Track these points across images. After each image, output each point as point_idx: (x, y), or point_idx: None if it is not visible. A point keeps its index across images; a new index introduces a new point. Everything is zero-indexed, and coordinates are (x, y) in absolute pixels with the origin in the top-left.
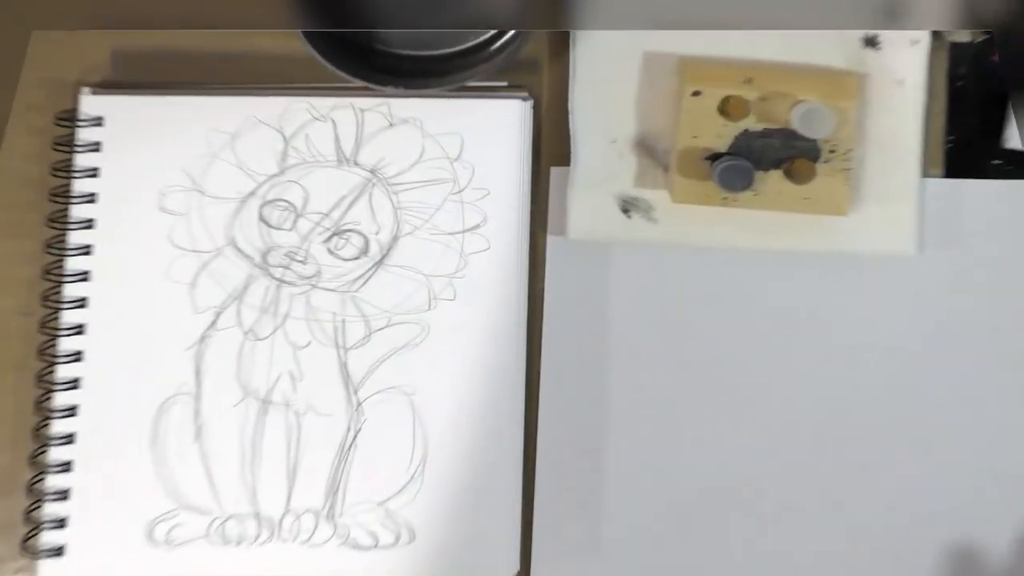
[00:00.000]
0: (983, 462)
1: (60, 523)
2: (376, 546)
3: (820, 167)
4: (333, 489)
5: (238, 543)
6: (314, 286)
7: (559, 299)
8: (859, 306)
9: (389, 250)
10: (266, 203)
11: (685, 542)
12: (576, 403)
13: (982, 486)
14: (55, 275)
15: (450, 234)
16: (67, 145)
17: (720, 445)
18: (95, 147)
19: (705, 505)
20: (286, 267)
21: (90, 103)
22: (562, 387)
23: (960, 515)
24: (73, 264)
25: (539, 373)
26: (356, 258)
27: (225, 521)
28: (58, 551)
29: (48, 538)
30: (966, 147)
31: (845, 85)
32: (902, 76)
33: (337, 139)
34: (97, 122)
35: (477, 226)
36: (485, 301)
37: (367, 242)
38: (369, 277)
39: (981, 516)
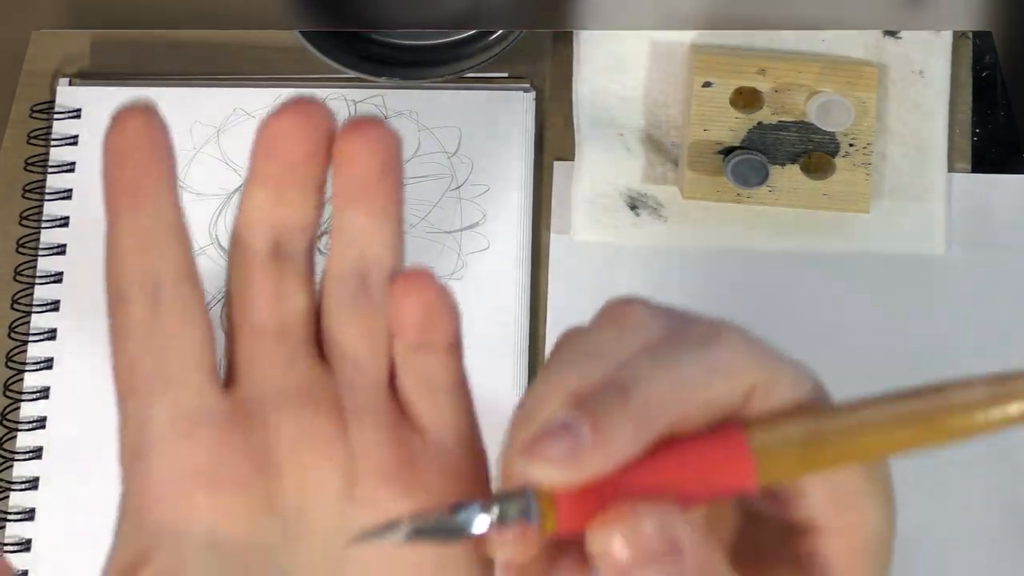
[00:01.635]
0: (1014, 468)
1: (25, 545)
2: None
3: (839, 161)
4: None
5: None
6: None
7: (563, 301)
8: (883, 309)
9: None
10: None
11: None
12: None
13: (1012, 491)
14: (27, 276)
15: (448, 232)
16: (42, 138)
17: None
18: (72, 141)
19: None
20: None
21: (67, 94)
22: None
23: (982, 523)
24: (46, 264)
25: None
26: None
27: None
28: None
29: (11, 561)
30: (994, 141)
31: (864, 76)
32: (924, 66)
33: None
34: (74, 114)
35: (476, 224)
36: (485, 303)
37: None
38: None
39: (997, 513)
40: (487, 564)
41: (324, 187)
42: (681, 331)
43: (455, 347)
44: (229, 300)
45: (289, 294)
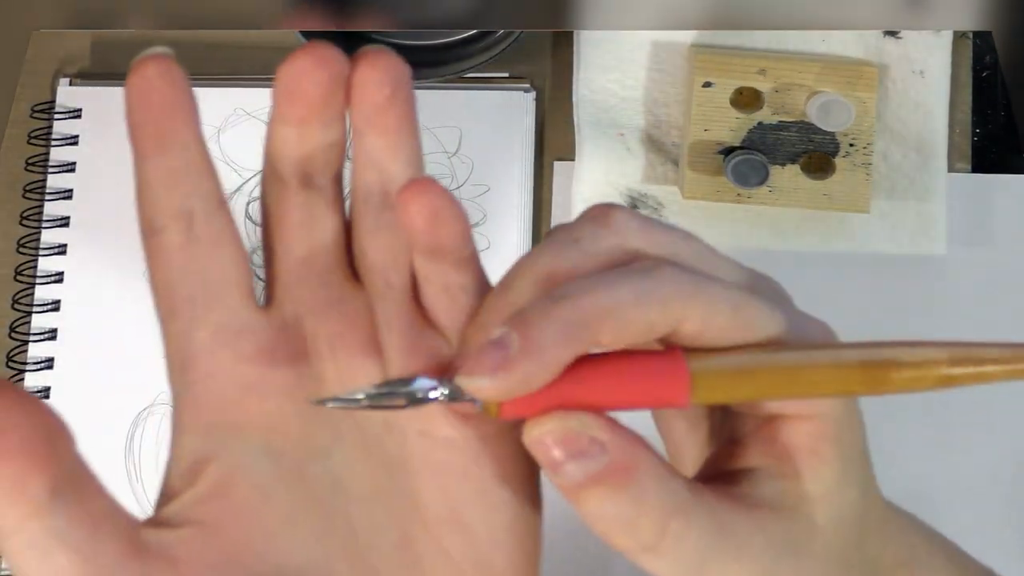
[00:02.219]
0: (1014, 468)
1: None
2: None
3: (839, 162)
4: None
5: None
6: None
7: None
8: (883, 309)
9: None
10: (253, 200)
11: None
12: None
13: (1011, 492)
14: (27, 276)
15: None
16: (43, 138)
17: None
18: (72, 140)
19: None
20: None
21: (68, 94)
22: None
23: (982, 522)
24: (46, 265)
25: None
26: None
27: None
28: None
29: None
30: (994, 141)
31: (864, 76)
32: (924, 66)
33: None
34: (75, 114)
35: (476, 224)
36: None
37: None
38: None
39: (1006, 522)
40: (533, 468)
41: (343, 120)
42: (635, 257)
43: (469, 257)
44: (266, 228)
45: (319, 219)
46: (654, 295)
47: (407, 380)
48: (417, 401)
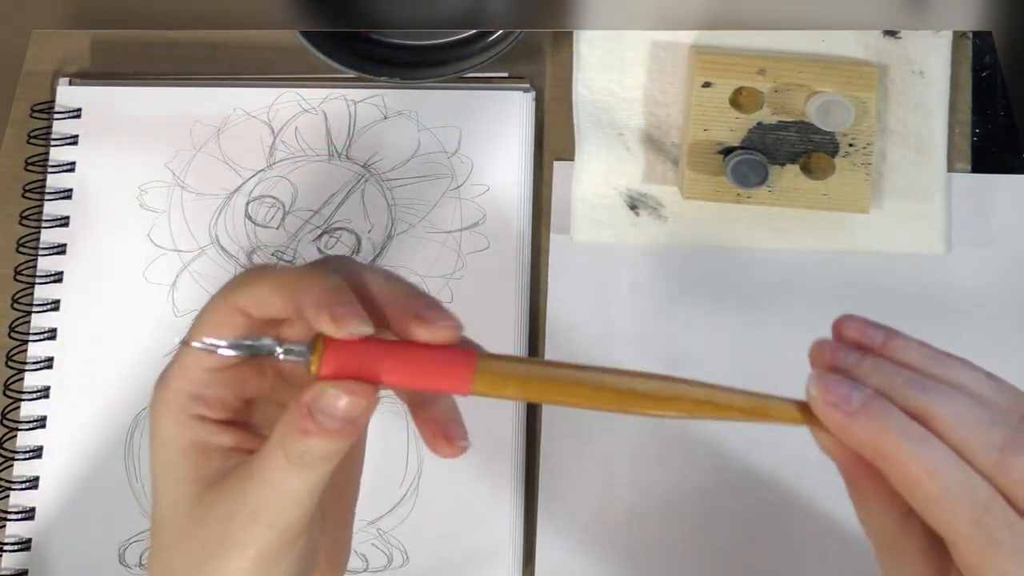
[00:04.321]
0: None
1: (24, 544)
2: (366, 569)
3: (839, 161)
4: None
5: None
6: None
7: (563, 301)
8: (883, 309)
9: (383, 249)
10: (252, 199)
11: (697, 559)
12: (580, 415)
13: None
14: (27, 276)
15: (447, 232)
16: (43, 138)
17: (733, 455)
18: (72, 140)
19: (717, 519)
20: None
21: (67, 94)
22: None
23: None
24: (46, 264)
25: None
26: None
27: None
28: (20, 575)
29: (10, 561)
30: (994, 141)
31: (864, 76)
32: (924, 66)
33: (328, 132)
34: (75, 114)
35: (476, 224)
36: (484, 303)
37: (359, 241)
38: None
39: None
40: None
41: None
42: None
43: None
44: None
45: None
46: (261, 292)
47: (257, 336)
48: (258, 352)
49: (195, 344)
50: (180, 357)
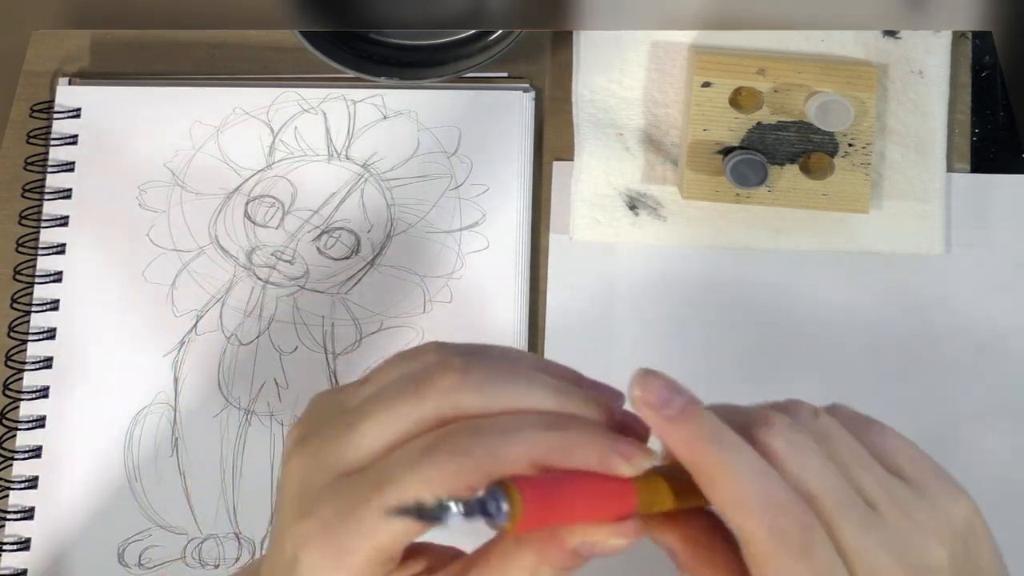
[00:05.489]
0: (1013, 464)
1: (24, 544)
2: None
3: (838, 161)
4: None
5: (216, 566)
6: (302, 287)
7: (563, 301)
8: (882, 309)
9: (382, 249)
10: (252, 199)
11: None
12: None
13: (1008, 489)
14: (26, 275)
15: (447, 232)
16: (42, 138)
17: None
18: (71, 140)
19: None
20: (272, 267)
21: (67, 93)
22: None
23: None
24: (45, 264)
25: None
26: (347, 257)
27: (203, 542)
28: (20, 575)
29: (10, 561)
30: (994, 141)
31: (863, 76)
32: (924, 66)
33: (328, 132)
34: (74, 114)
35: (475, 224)
36: (484, 303)
37: (358, 241)
38: (360, 278)
39: (1003, 518)
40: None
41: None
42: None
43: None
44: None
45: None
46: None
47: (444, 502)
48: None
49: (425, 502)
50: (371, 522)
